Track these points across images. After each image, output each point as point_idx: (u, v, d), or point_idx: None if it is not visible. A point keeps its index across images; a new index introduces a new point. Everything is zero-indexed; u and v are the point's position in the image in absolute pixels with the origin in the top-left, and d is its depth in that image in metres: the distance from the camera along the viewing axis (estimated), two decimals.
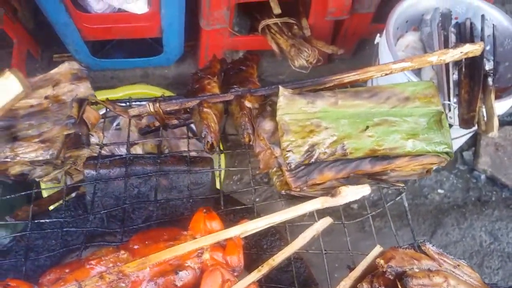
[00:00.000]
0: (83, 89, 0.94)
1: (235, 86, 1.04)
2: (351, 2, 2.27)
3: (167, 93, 2.26)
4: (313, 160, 0.93)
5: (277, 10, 2.43)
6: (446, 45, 2.08)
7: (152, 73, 2.61)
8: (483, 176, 2.58)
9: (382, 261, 0.78)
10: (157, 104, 1.01)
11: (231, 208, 1.02)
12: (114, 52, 2.56)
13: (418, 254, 0.82)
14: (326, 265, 0.96)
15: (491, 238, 2.38)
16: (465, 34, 2.19)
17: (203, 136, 0.96)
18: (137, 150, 1.74)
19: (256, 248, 1.02)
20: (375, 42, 2.20)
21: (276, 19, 2.39)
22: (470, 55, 1.02)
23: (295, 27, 2.37)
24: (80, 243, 1.00)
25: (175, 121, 1.05)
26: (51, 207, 1.10)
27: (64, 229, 0.99)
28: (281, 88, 0.97)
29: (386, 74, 1.02)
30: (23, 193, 1.02)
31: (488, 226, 2.42)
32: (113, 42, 2.57)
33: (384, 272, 0.78)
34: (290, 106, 0.96)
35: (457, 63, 1.93)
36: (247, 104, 0.99)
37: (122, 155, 1.02)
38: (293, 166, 0.93)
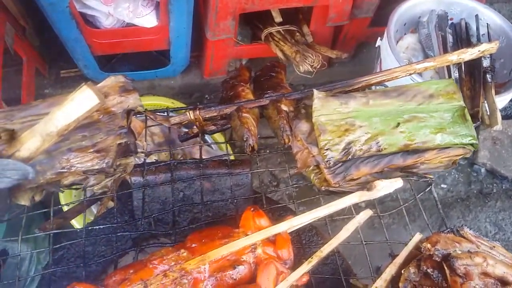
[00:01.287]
0: (132, 100, 0.99)
1: (268, 91, 1.10)
2: (350, 8, 2.36)
3: (176, 103, 2.32)
4: (350, 157, 1.00)
5: (278, 18, 2.52)
6: (444, 45, 2.18)
7: (158, 85, 2.66)
8: (483, 170, 2.67)
9: (429, 245, 0.84)
10: (197, 112, 1.07)
11: (273, 206, 1.07)
12: (120, 66, 2.60)
13: (458, 238, 0.88)
14: (368, 255, 1.03)
15: (495, 228, 2.47)
16: (461, 34, 2.29)
17: (244, 139, 1.02)
18: (152, 159, 1.79)
19: (297, 244, 1.08)
20: (376, 45, 2.29)
21: (278, 27, 2.47)
22: (486, 53, 1.10)
23: (297, 34, 2.45)
24: (129, 247, 1.05)
25: (212, 127, 1.11)
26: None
27: (119, 234, 1.04)
28: (315, 91, 1.04)
29: (410, 74, 1.09)
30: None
31: (492, 217, 2.51)
32: (118, 56, 2.61)
33: (430, 255, 0.84)
34: (325, 108, 1.02)
35: (457, 63, 2.03)
36: (284, 107, 1.05)
37: (166, 161, 1.08)
38: (331, 163, 0.99)
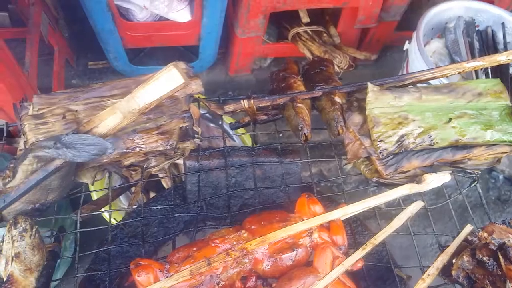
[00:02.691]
0: (195, 86, 1.03)
1: (320, 84, 1.13)
2: (379, 11, 2.39)
3: (203, 97, 2.35)
4: (402, 149, 1.03)
5: (306, 19, 2.55)
6: (472, 51, 2.22)
7: None
8: (501, 176, 2.70)
9: (485, 234, 0.87)
10: (251, 101, 1.10)
11: (324, 195, 1.10)
12: (147, 60, 2.64)
13: (511, 229, 0.91)
14: (416, 246, 1.06)
15: None
16: (487, 40, 2.32)
17: (299, 128, 1.05)
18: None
19: None
20: (404, 48, 2.33)
21: (306, 28, 2.50)
22: None
23: (325, 34, 2.49)
24: (180, 229, 1.08)
25: (263, 117, 1.14)
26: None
27: (176, 215, 1.07)
28: (370, 84, 1.07)
29: (460, 73, 1.13)
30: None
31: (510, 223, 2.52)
32: (146, 50, 2.65)
33: (486, 244, 0.87)
34: (378, 101, 1.06)
35: (484, 68, 2.06)
36: (337, 99, 1.08)
37: (220, 148, 1.11)
38: (384, 155, 1.02)
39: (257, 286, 0.92)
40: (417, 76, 1.12)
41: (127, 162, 1.02)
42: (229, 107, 1.11)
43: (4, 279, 0.88)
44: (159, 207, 1.09)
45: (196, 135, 1.08)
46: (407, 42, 2.31)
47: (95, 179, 1.01)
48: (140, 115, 0.84)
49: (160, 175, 1.71)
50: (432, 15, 2.31)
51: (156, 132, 0.98)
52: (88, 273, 1.02)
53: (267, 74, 2.86)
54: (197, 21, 2.19)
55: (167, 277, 0.88)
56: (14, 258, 0.87)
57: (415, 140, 1.03)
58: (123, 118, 0.83)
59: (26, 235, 0.90)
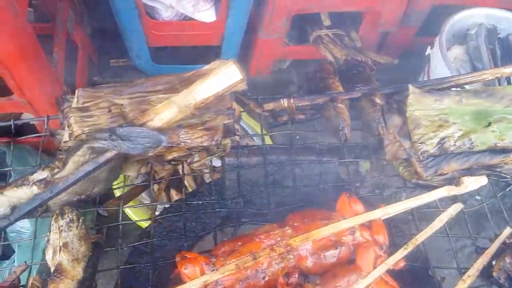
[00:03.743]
0: (240, 84, 1.04)
1: (359, 84, 1.14)
2: (401, 16, 2.40)
3: None
4: (443, 152, 1.04)
5: (327, 22, 2.57)
6: (494, 58, 2.23)
7: None
8: None
9: None
10: (291, 100, 1.11)
11: (361, 195, 1.11)
12: (169, 59, 2.66)
13: None
14: (453, 248, 1.07)
15: None
16: (509, 48, 2.33)
17: (340, 128, 1.06)
18: None
19: None
20: (426, 54, 2.34)
21: (327, 31, 2.52)
22: None
23: (346, 38, 2.50)
24: (217, 225, 1.10)
25: (302, 116, 1.15)
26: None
27: (217, 210, 1.08)
28: (411, 86, 1.08)
29: (497, 78, 1.14)
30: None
31: None
32: (167, 49, 2.67)
33: None
34: (419, 103, 1.07)
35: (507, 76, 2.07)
36: (378, 101, 1.09)
37: (259, 145, 1.12)
38: (425, 156, 1.03)
39: (299, 282, 0.93)
40: (455, 80, 1.13)
41: (170, 157, 1.03)
42: (268, 106, 1.12)
43: (52, 269, 0.89)
44: (200, 202, 1.10)
45: (236, 133, 1.09)
46: (429, 47, 2.33)
47: (139, 172, 1.02)
48: (195, 109, 0.85)
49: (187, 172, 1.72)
50: (455, 22, 2.33)
51: (201, 127, 0.99)
52: (132, 265, 1.03)
53: (286, 75, 2.87)
54: (222, 22, 2.21)
55: (213, 270, 0.89)
56: (62, 248, 0.89)
57: (455, 143, 1.04)
58: (178, 112, 0.85)
59: (73, 226, 0.91)
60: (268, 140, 2.08)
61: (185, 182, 2.02)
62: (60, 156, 0.92)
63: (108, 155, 0.88)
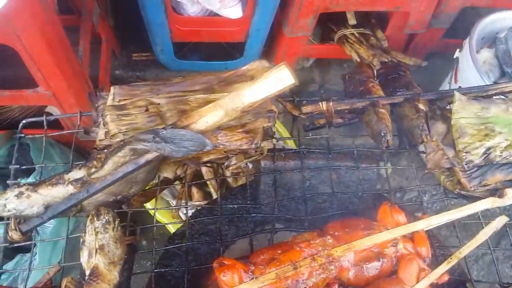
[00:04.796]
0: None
1: (400, 89, 1.11)
2: (430, 17, 2.35)
3: None
4: (488, 162, 1.00)
5: (353, 21, 2.52)
6: None
7: None
8: None
9: None
10: (330, 103, 1.08)
11: (403, 204, 1.08)
12: (191, 54, 2.63)
13: None
14: (496, 263, 1.03)
15: None
16: None
17: (382, 134, 1.03)
18: None
19: None
20: (455, 56, 2.29)
21: (352, 30, 2.47)
22: None
23: (372, 38, 2.45)
24: (250, 229, 1.07)
25: (339, 120, 1.12)
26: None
27: (253, 215, 1.05)
28: (457, 93, 1.05)
29: None
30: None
31: None
32: (189, 45, 2.64)
33: None
34: (465, 110, 1.03)
35: None
36: (421, 107, 1.06)
37: (296, 149, 1.09)
38: (470, 166, 1.00)
39: None
40: (501, 88, 1.09)
41: (206, 158, 1.01)
42: (306, 108, 1.09)
43: (87, 272, 0.87)
44: (235, 206, 1.08)
45: (273, 135, 1.06)
46: (457, 50, 2.27)
47: (175, 173, 1.00)
48: (242, 113, 0.83)
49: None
50: (485, 24, 2.27)
51: (240, 130, 0.96)
52: (166, 269, 1.01)
53: (308, 74, 2.83)
54: (248, 18, 2.17)
55: (251, 278, 0.86)
56: (98, 251, 0.87)
57: (501, 153, 1.00)
58: (224, 116, 0.82)
59: (110, 227, 0.89)
60: (292, 144, 2.06)
61: (210, 187, 2.01)
62: (98, 156, 0.90)
63: (149, 156, 0.85)
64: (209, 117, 0.82)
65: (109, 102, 1.04)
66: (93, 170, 0.90)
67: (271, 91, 0.78)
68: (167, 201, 1.62)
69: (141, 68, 2.61)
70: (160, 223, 1.64)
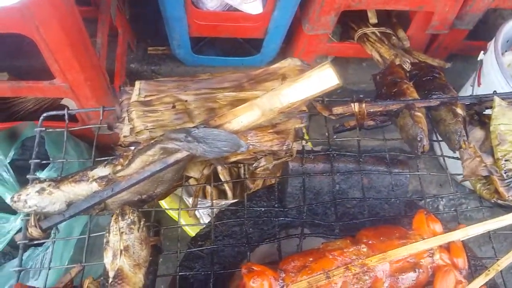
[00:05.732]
0: None
1: (436, 92, 1.06)
2: (454, 18, 2.30)
3: None
4: None
5: (374, 19, 2.47)
6: None
7: None
8: None
9: None
10: (363, 105, 1.04)
11: (439, 212, 1.04)
12: (207, 49, 2.59)
13: None
14: None
15: None
16: None
17: (418, 139, 0.98)
18: None
19: None
20: (478, 59, 2.23)
21: (374, 29, 2.42)
22: None
23: (393, 37, 2.40)
24: (275, 232, 1.03)
25: (371, 122, 1.08)
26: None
27: (281, 218, 1.01)
28: (497, 98, 1.00)
29: None
30: None
31: None
32: (206, 40, 2.60)
33: None
34: (505, 117, 0.99)
35: None
36: (459, 111, 1.01)
37: (326, 151, 1.05)
38: (510, 175, 0.95)
39: None
40: None
41: (234, 159, 0.97)
42: (337, 109, 1.05)
43: (110, 273, 0.84)
44: (262, 208, 1.04)
45: (303, 137, 1.02)
46: (481, 52, 2.22)
47: (202, 173, 0.96)
48: (279, 114, 0.79)
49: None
50: (510, 27, 2.21)
51: (271, 130, 0.93)
52: (192, 272, 0.97)
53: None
54: (268, 14, 2.13)
55: (282, 286, 0.83)
56: (123, 252, 0.83)
57: None
58: (261, 116, 0.78)
59: (135, 228, 0.86)
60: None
61: (226, 186, 1.98)
62: (125, 154, 0.87)
63: (179, 156, 0.82)
64: (244, 117, 0.78)
65: (134, 97, 1.00)
66: (119, 168, 0.87)
67: (313, 92, 0.74)
68: (179, 197, 1.58)
69: (156, 62, 2.58)
70: (185, 224, 1.60)
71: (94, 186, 0.89)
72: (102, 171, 0.89)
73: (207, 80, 1.00)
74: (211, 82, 1.00)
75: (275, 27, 2.22)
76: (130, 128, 0.96)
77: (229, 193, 1.99)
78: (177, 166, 0.86)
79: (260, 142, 0.92)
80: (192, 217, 1.75)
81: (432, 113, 1.06)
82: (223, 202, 1.72)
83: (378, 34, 2.40)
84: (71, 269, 0.90)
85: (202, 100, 0.97)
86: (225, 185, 2.00)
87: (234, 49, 2.61)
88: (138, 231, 0.86)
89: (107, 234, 0.87)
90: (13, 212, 1.71)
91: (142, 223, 0.87)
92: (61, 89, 1.75)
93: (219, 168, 1.83)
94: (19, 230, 1.70)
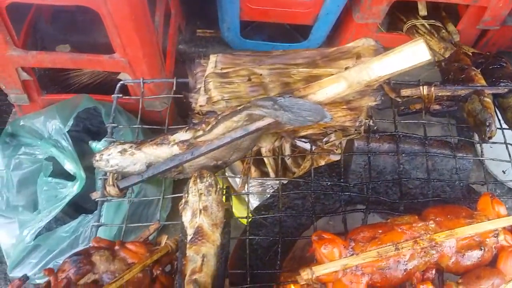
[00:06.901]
0: None
1: (504, 80, 1.07)
2: (506, 14, 2.27)
3: None
4: None
5: (424, 11, 2.46)
6: None
7: None
8: None
9: None
10: (432, 88, 1.06)
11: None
12: (254, 34, 2.62)
13: None
14: None
15: None
16: None
17: (487, 124, 1.00)
18: None
19: None
20: None
21: (423, 21, 2.41)
22: None
23: (443, 31, 2.39)
24: (336, 208, 1.07)
25: (437, 107, 1.10)
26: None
27: (346, 193, 1.05)
28: None
29: None
30: None
31: None
32: (253, 24, 2.63)
33: None
34: None
35: None
36: None
37: (392, 132, 1.08)
38: None
39: (434, 279, 0.90)
40: None
41: (303, 133, 1.01)
42: (406, 91, 1.07)
43: (189, 231, 0.89)
44: (328, 183, 1.07)
45: (371, 116, 1.05)
46: None
47: (273, 144, 1.00)
48: (366, 87, 0.82)
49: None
50: None
51: (345, 106, 0.96)
52: (262, 237, 1.02)
53: None
54: (320, 1, 2.14)
55: (351, 254, 0.86)
56: (202, 211, 0.88)
57: None
58: (347, 88, 0.81)
59: (212, 190, 0.90)
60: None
61: (266, 160, 2.01)
62: (207, 120, 0.91)
63: (260, 124, 0.86)
64: (330, 88, 0.81)
65: (210, 69, 1.05)
66: (200, 133, 0.91)
67: (403, 66, 0.77)
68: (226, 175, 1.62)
69: (204, 44, 2.62)
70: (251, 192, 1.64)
71: (175, 149, 0.94)
72: (183, 135, 0.93)
73: (281, 55, 1.04)
74: (285, 58, 1.03)
75: (325, 14, 2.23)
76: (207, 98, 1.00)
77: (272, 174, 2.03)
78: (255, 135, 0.90)
79: (333, 117, 0.95)
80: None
81: (500, 100, 1.07)
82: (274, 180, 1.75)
83: (428, 27, 2.39)
84: (150, 226, 0.95)
85: (276, 75, 1.01)
86: (268, 166, 2.04)
87: (281, 35, 2.63)
88: (215, 193, 0.90)
89: (186, 195, 0.91)
90: (71, 178, 1.79)
91: (219, 186, 0.92)
92: (120, 64, 1.82)
93: (263, 150, 1.87)
94: (75, 196, 1.78)
